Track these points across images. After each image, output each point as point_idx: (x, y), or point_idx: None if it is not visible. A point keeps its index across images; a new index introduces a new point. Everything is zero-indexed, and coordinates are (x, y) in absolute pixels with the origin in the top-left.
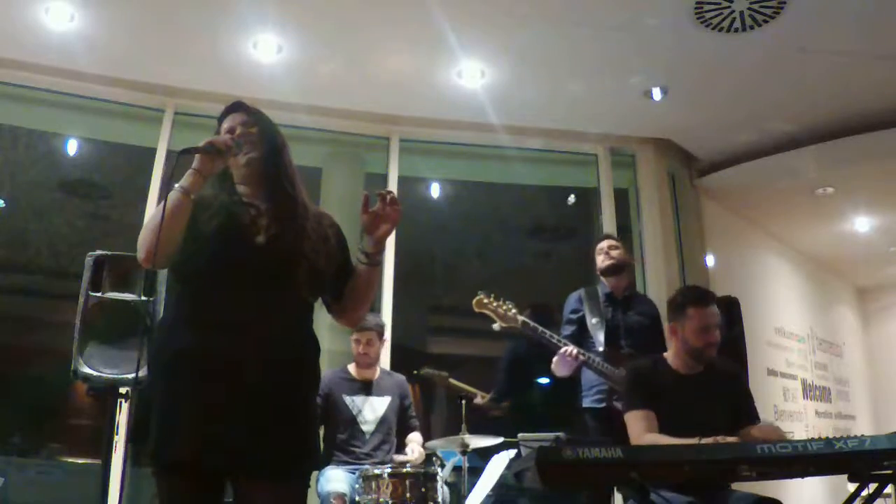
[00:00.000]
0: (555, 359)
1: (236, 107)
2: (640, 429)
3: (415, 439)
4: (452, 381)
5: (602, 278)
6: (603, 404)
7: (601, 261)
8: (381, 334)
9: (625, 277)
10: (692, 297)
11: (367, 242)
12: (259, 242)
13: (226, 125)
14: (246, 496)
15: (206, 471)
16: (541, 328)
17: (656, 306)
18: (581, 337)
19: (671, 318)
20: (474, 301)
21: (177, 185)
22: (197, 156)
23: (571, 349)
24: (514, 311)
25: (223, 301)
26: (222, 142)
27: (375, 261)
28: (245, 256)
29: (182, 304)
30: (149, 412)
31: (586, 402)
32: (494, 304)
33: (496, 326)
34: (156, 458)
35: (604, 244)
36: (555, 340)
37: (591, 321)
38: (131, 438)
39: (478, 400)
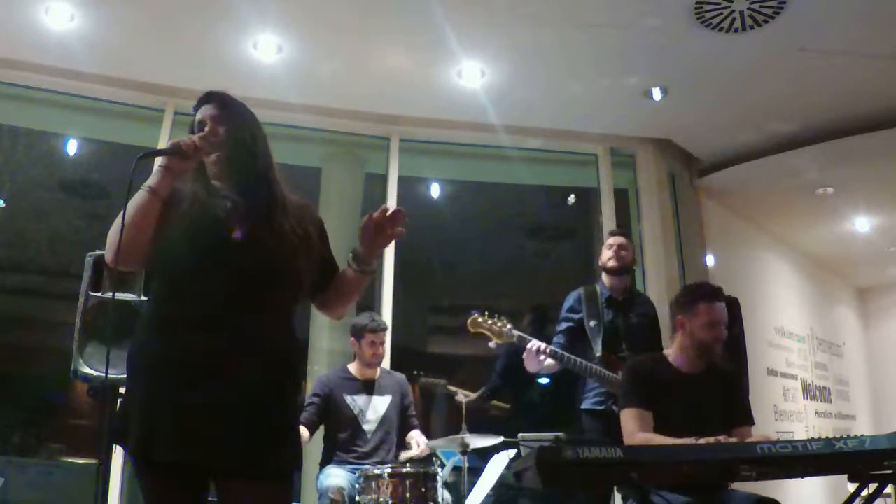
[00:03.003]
0: (524, 354)
1: (208, 98)
2: (634, 428)
3: (416, 435)
4: (451, 387)
5: (603, 275)
6: (602, 406)
7: (607, 257)
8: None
9: (627, 279)
10: (703, 292)
11: (362, 249)
12: (235, 240)
13: (197, 117)
14: (228, 495)
15: (187, 469)
16: (537, 343)
17: (654, 306)
18: (579, 341)
19: (680, 312)
20: (469, 321)
21: (144, 185)
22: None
23: (539, 345)
24: (508, 326)
25: (200, 298)
26: (189, 145)
27: (368, 270)
28: (222, 254)
29: (159, 302)
30: (128, 411)
31: (586, 404)
32: (489, 321)
33: (492, 344)
34: (136, 456)
35: (615, 241)
36: (551, 351)
37: (590, 325)
38: (112, 438)
39: (459, 397)
